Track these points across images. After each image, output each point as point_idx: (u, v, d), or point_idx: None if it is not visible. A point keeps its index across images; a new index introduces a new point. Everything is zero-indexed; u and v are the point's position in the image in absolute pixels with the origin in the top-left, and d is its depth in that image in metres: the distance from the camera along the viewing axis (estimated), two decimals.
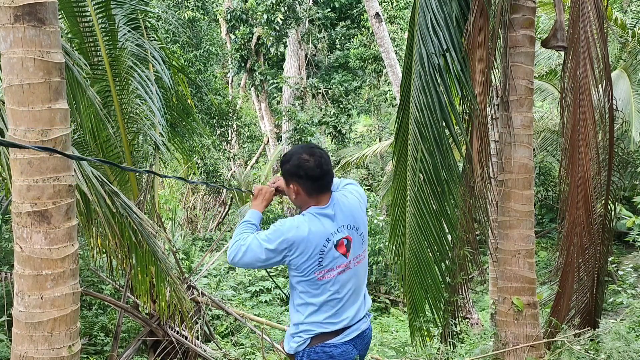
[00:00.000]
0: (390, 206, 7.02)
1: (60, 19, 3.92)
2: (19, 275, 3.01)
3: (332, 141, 18.05)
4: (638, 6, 13.89)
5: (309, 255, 2.48)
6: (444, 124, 4.14)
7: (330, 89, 17.31)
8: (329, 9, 17.66)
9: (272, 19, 15.24)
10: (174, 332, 5.98)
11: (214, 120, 15.38)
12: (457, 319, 4.95)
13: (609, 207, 5.03)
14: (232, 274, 11.45)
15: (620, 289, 5.57)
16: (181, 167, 13.60)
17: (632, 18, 12.75)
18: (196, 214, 16.32)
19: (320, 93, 17.39)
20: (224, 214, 16.69)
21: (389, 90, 16.40)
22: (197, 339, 6.21)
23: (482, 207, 4.35)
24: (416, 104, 4.18)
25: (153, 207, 6.07)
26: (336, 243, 2.52)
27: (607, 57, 4.70)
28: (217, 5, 17.57)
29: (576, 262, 4.82)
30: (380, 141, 17.06)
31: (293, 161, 2.56)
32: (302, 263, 2.50)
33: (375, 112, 19.12)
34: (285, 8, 15.27)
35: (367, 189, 16.23)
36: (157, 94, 5.87)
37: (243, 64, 17.76)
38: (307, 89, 17.24)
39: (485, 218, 4.41)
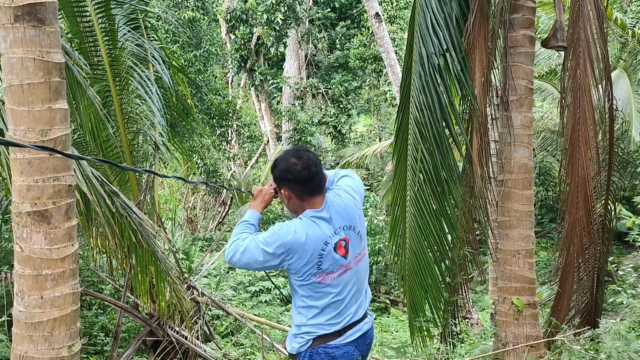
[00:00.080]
0: (390, 206, 7.02)
1: (60, 19, 3.92)
2: (19, 275, 3.01)
3: (332, 141, 18.06)
4: (638, 6, 13.89)
5: (307, 259, 2.47)
6: (444, 124, 4.14)
7: (330, 89, 17.32)
8: (329, 9, 17.67)
9: (272, 19, 15.25)
10: (174, 332, 5.98)
11: (214, 120, 15.38)
12: (457, 319, 4.95)
13: (609, 207, 5.03)
14: (232, 274, 11.45)
15: (620, 289, 5.57)
16: (181, 167, 13.60)
17: (632, 18, 12.75)
18: (196, 214, 16.32)
19: (320, 93, 17.39)
20: (224, 214, 16.69)
21: (389, 90, 16.40)
22: (197, 339, 6.21)
23: (482, 207, 4.35)
24: (416, 104, 4.18)
25: (153, 207, 6.07)
26: (334, 246, 2.51)
27: (607, 57, 4.70)
28: (217, 5, 17.57)
29: (576, 262, 4.82)
30: (380, 141, 17.06)
31: (281, 166, 2.55)
32: (300, 267, 2.49)
33: (375, 112, 19.13)
34: (285, 8, 15.28)
35: (367, 189, 16.22)
36: (157, 94, 5.87)
37: (243, 64, 17.76)
38: (307, 89, 17.24)
39: (485, 218, 4.41)
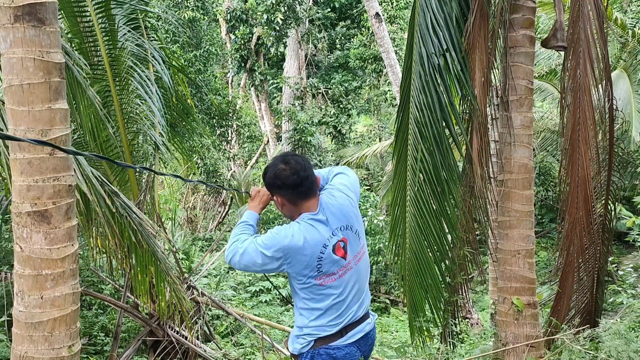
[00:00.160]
0: (390, 206, 7.03)
1: (60, 19, 3.92)
2: (19, 275, 3.01)
3: (332, 141, 18.07)
4: (638, 6, 13.90)
5: (307, 263, 2.47)
6: (444, 124, 4.14)
7: (330, 89, 17.32)
8: (329, 9, 17.67)
9: (272, 19, 15.26)
10: (174, 332, 5.98)
11: (214, 120, 15.38)
12: (457, 319, 4.94)
13: (609, 207, 5.03)
14: (232, 274, 11.45)
15: (620, 289, 5.57)
16: (181, 167, 13.60)
17: (632, 18, 12.76)
18: (196, 214, 16.32)
19: (320, 93, 17.40)
20: (224, 214, 16.69)
21: (389, 90, 16.41)
22: (197, 339, 6.21)
23: (482, 207, 4.34)
24: (416, 104, 4.18)
25: (153, 207, 6.07)
26: (333, 248, 2.51)
27: (607, 57, 4.70)
28: (217, 5, 17.58)
29: (576, 262, 4.82)
30: (380, 141, 17.07)
31: (270, 173, 2.56)
32: (300, 271, 2.49)
33: (375, 112, 19.13)
34: (285, 8, 15.28)
35: (367, 189, 16.23)
36: (157, 94, 5.88)
37: (243, 64, 17.77)
38: (307, 89, 17.25)
39: (485, 218, 4.41)
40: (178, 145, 7.04)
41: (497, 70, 4.50)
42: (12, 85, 2.87)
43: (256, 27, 16.79)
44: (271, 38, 16.21)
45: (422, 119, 4.15)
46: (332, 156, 16.74)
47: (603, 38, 4.59)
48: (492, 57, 4.32)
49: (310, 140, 15.16)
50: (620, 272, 6.15)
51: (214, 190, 16.23)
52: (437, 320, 4.59)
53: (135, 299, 5.83)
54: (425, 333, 4.66)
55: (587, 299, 5.10)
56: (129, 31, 5.77)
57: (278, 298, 10.99)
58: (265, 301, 10.66)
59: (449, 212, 4.27)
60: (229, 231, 14.00)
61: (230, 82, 20.26)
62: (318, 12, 17.09)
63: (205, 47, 15.07)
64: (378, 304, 12.42)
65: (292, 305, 2.71)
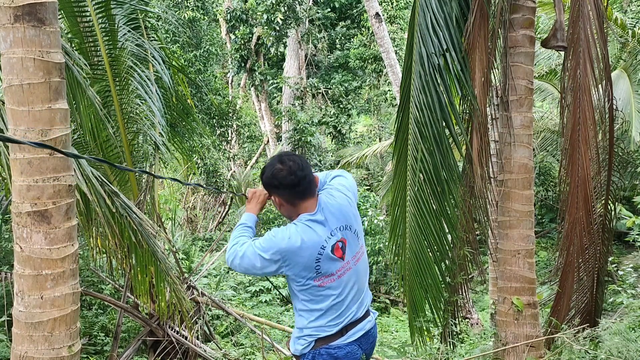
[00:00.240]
0: (390, 206, 7.02)
1: (60, 19, 3.92)
2: (19, 275, 3.01)
3: (332, 141, 18.07)
4: (638, 6, 13.89)
5: (305, 265, 2.46)
6: (444, 123, 4.14)
7: (330, 89, 17.32)
8: (329, 9, 17.67)
9: (272, 19, 15.26)
10: (174, 332, 5.98)
11: (214, 120, 15.37)
12: (457, 319, 4.94)
13: (609, 207, 5.03)
14: (232, 274, 11.44)
15: (620, 289, 5.56)
16: (181, 167, 13.61)
17: (632, 18, 12.75)
18: (196, 214, 16.31)
19: (320, 93, 17.40)
20: (223, 214, 16.68)
21: (389, 90, 16.41)
22: (197, 339, 6.21)
23: (482, 207, 4.35)
24: (416, 103, 4.18)
25: (153, 207, 6.07)
26: (332, 248, 2.50)
27: (607, 57, 4.70)
28: (217, 5, 17.58)
29: (576, 262, 4.82)
30: (380, 141, 17.07)
31: (267, 173, 2.55)
32: (298, 273, 2.49)
33: (375, 112, 19.13)
34: (285, 8, 15.29)
35: (367, 189, 16.23)
36: (157, 94, 5.88)
37: (243, 64, 17.77)
38: (307, 89, 17.25)
39: (485, 218, 4.41)
40: (178, 145, 7.04)
41: (497, 70, 4.50)
42: (12, 85, 2.87)
43: (256, 27, 16.80)
44: (271, 38, 16.21)
45: (422, 119, 4.15)
46: (332, 156, 16.75)
47: (603, 38, 4.59)
48: (492, 57, 4.32)
49: (310, 140, 15.16)
50: (620, 272, 6.15)
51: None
52: (437, 320, 4.59)
53: (135, 299, 5.83)
54: (425, 333, 4.66)
55: (587, 299, 5.10)
56: (129, 31, 5.77)
57: (278, 298, 10.98)
58: (265, 301, 10.65)
59: (449, 212, 4.28)
60: (229, 231, 14.00)
61: (230, 82, 20.26)
62: (318, 12, 17.09)
63: (205, 47, 15.07)
64: (378, 304, 12.41)
65: (292, 305, 2.71)
